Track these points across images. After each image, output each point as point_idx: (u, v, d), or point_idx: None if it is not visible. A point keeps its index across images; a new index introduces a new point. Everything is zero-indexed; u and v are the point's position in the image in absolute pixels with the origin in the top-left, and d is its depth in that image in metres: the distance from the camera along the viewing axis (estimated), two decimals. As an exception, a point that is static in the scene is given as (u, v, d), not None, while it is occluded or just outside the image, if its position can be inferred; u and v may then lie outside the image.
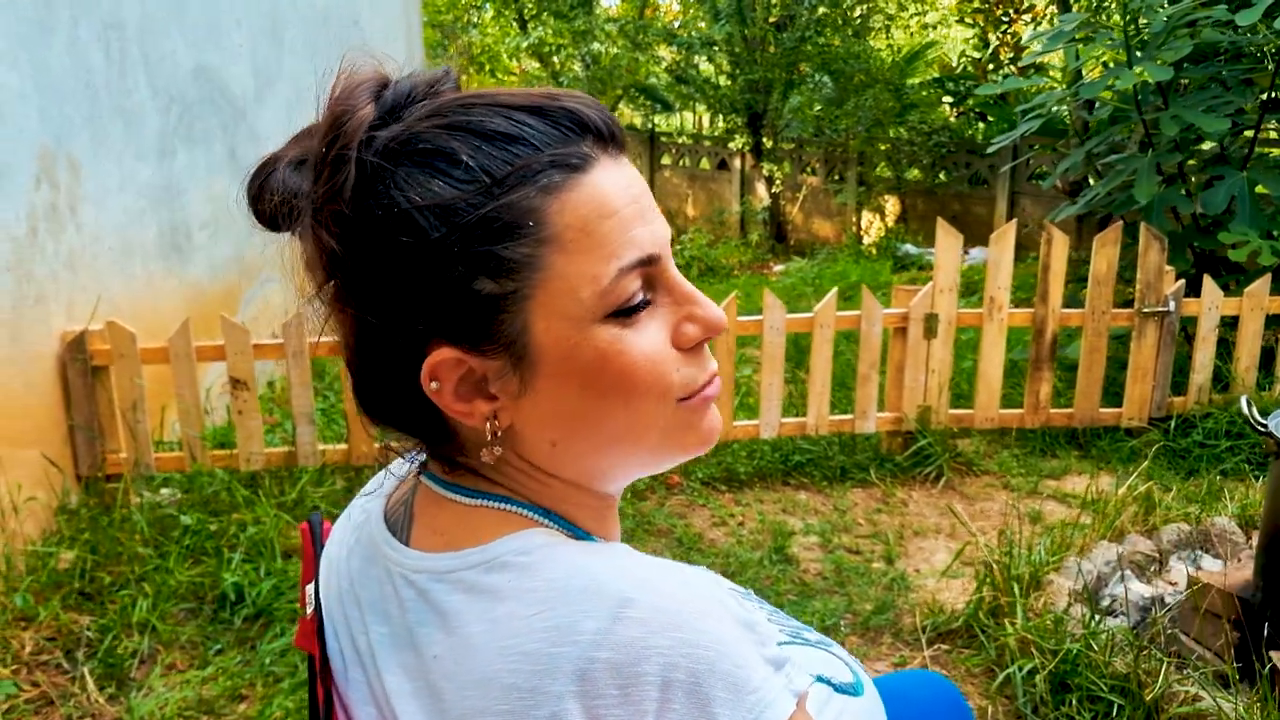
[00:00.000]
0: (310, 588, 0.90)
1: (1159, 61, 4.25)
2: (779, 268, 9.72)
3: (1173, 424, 4.15)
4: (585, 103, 0.74)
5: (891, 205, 10.36)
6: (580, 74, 10.98)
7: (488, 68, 11.66)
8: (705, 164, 11.73)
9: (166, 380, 3.63)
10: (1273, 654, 2.45)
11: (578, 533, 0.80)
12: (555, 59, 11.40)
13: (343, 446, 3.73)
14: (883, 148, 10.21)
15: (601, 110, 0.74)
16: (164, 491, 3.56)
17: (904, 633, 2.87)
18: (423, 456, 0.88)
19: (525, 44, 10.82)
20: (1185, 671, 2.44)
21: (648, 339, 0.74)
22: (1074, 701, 2.38)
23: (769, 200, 10.84)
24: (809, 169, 10.85)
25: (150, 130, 4.15)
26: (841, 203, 10.42)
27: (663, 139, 12.39)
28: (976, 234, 9.63)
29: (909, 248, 9.51)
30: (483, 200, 0.70)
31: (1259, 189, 4.42)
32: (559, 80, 11.17)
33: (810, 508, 3.74)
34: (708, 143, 12.03)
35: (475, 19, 12.05)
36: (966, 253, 9.28)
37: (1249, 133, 4.73)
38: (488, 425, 0.75)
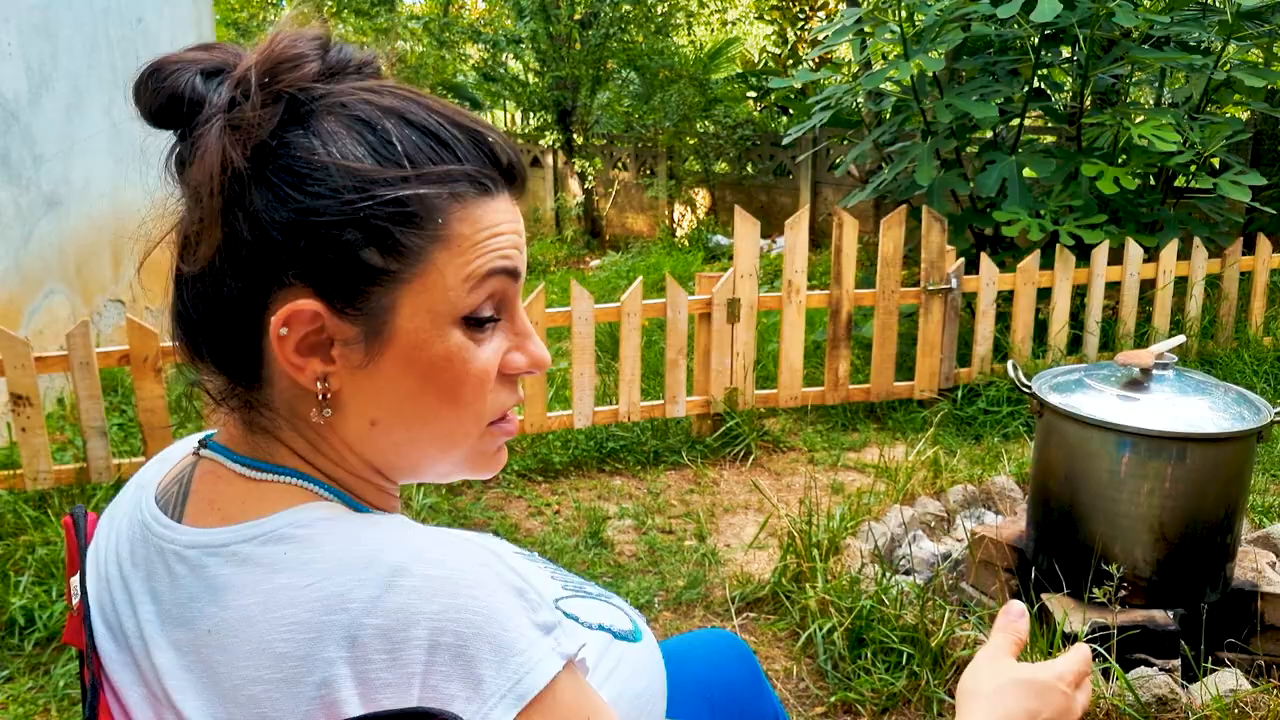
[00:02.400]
0: (75, 580, 0.89)
1: (932, 54, 4.53)
2: (595, 263, 9.81)
3: (959, 393, 4.43)
4: (510, 145, 0.80)
5: (702, 197, 10.60)
6: (386, 72, 10.77)
7: (288, 66, 11.30)
8: (518, 161, 11.72)
9: (-62, 399, 3.40)
10: (1043, 596, 2.67)
11: (358, 507, 0.81)
12: (360, 57, 11.19)
13: (139, 460, 3.57)
14: (691, 142, 10.44)
15: (519, 157, 0.80)
16: (-60, 518, 3.33)
17: (715, 604, 2.97)
18: (203, 435, 0.88)
19: (326, 42, 10.55)
20: (965, 617, 2.63)
21: (485, 356, 0.80)
22: (869, 654, 2.53)
23: (582, 196, 10.92)
24: (620, 164, 10.98)
25: (-92, 133, 3.87)
26: (653, 197, 10.59)
27: (474, 137, 12.29)
28: (782, 223, 9.98)
29: (719, 238, 9.75)
30: (400, 183, 0.74)
31: (1028, 171, 4.76)
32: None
33: (625, 492, 3.82)
34: (520, 140, 12.00)
35: (273, 16, 11.66)
36: (774, 240, 9.60)
37: (1017, 120, 5.08)
38: (319, 387, 0.76)
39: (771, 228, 9.95)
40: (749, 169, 10.33)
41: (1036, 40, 4.75)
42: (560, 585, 1.00)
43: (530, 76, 11.36)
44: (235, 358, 0.78)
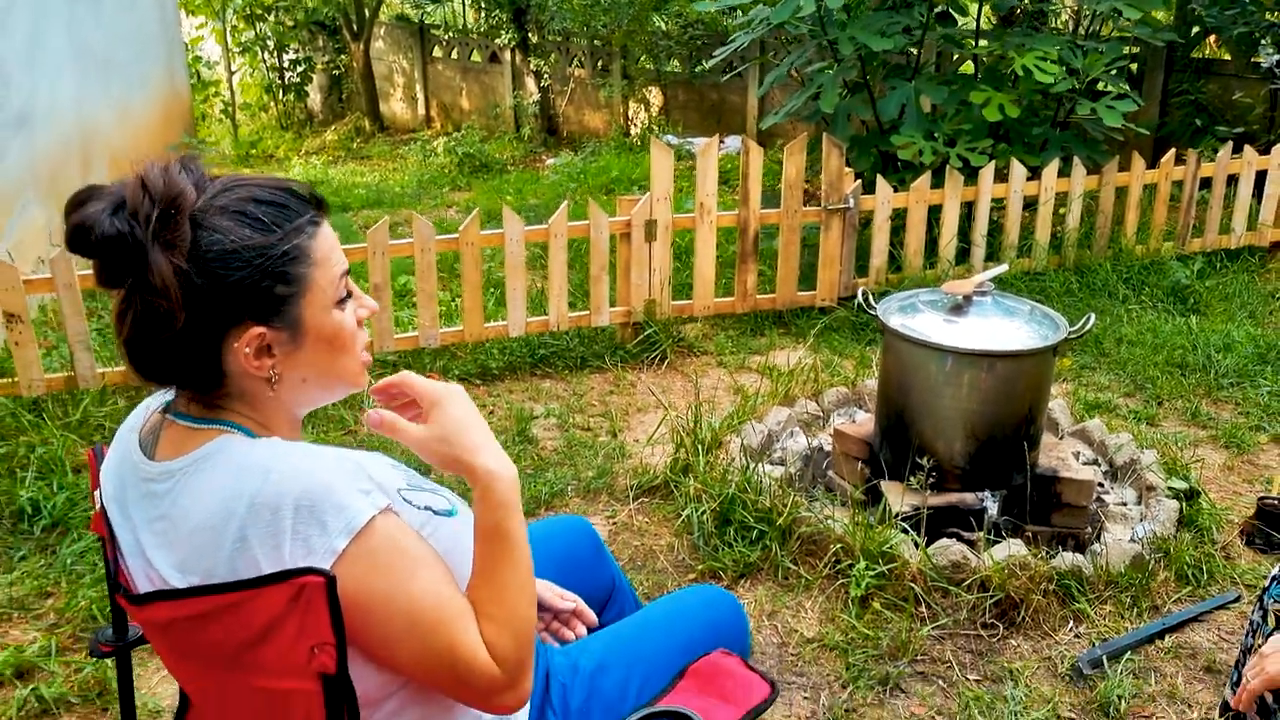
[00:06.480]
0: (98, 493, 1.41)
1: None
2: (551, 161, 10.13)
3: (856, 302, 4.93)
4: (304, 184, 1.30)
5: (655, 96, 10.88)
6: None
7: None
8: (477, 57, 11.88)
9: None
10: (881, 483, 3.23)
11: (253, 435, 1.30)
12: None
13: (122, 368, 4.05)
14: (644, 38, 10.63)
15: (311, 187, 1.30)
16: (-51, 422, 3.81)
17: (617, 492, 3.53)
18: (168, 399, 1.37)
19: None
20: (814, 501, 3.20)
21: (350, 318, 1.33)
22: (732, 531, 3.10)
23: (539, 95, 11.18)
24: (577, 62, 11.20)
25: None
26: (608, 95, 10.86)
27: (433, 30, 12.41)
28: (732, 123, 10.31)
29: (670, 138, 10.08)
30: (279, 243, 1.24)
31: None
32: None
33: (553, 394, 4.35)
34: (478, 35, 12.14)
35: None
36: (723, 142, 9.95)
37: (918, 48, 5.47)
38: (271, 372, 1.27)
39: (721, 127, 10.29)
40: (705, 66, 10.58)
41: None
42: (404, 480, 1.50)
43: (485, -27, 11.47)
44: (203, 378, 1.27)
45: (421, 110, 12.33)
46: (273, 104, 12.79)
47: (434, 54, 12.22)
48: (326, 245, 1.29)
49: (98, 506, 1.40)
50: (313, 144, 11.57)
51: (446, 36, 12.33)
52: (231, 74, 12.45)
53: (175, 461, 1.27)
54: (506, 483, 1.32)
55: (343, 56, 12.51)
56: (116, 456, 1.38)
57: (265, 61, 12.63)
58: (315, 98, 13.12)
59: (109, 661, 2.65)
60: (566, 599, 1.77)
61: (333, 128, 12.20)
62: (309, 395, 1.35)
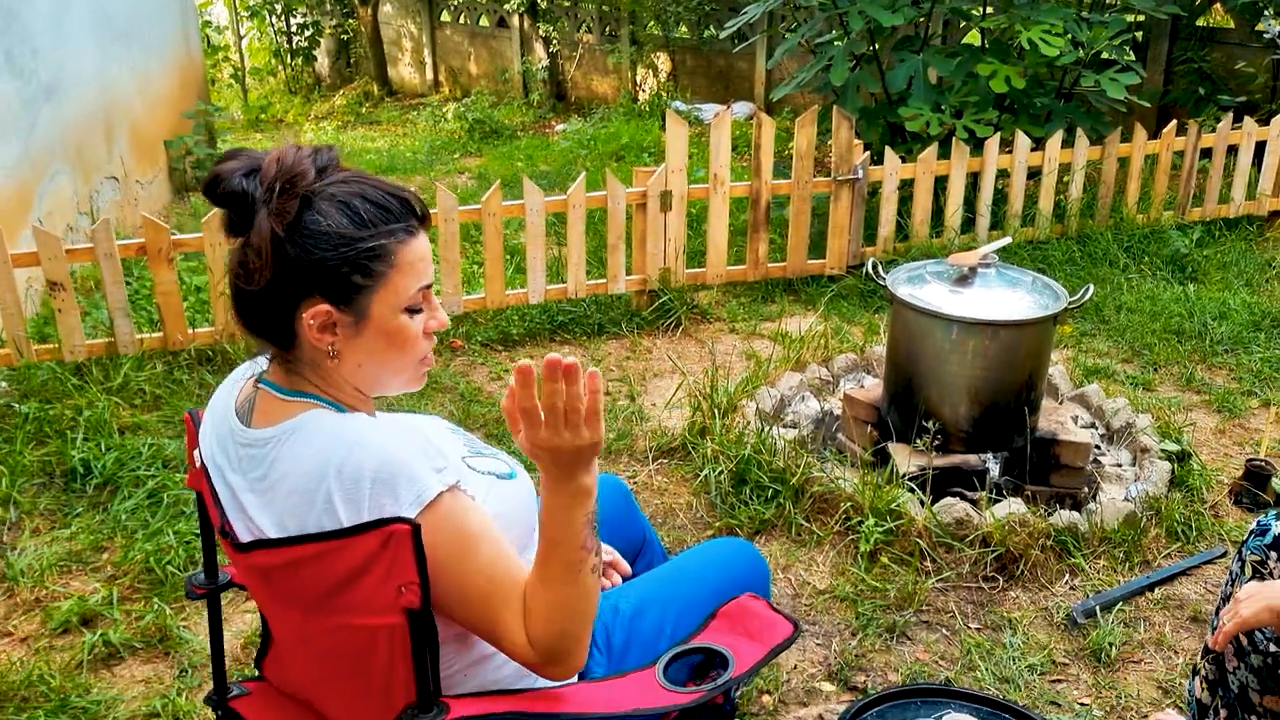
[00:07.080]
0: (196, 451, 1.58)
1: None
2: (560, 127, 10.24)
3: (864, 270, 5.08)
4: (417, 197, 1.44)
5: (663, 62, 10.95)
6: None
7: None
8: (485, 21, 11.92)
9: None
10: (888, 445, 3.41)
11: (341, 409, 1.47)
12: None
13: (159, 334, 4.22)
14: (651, 4, 10.69)
15: (423, 203, 1.45)
16: (-2, 385, 3.99)
17: (637, 453, 3.70)
18: (261, 369, 1.54)
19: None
20: (825, 462, 3.37)
21: (417, 325, 1.45)
22: (748, 491, 3.28)
23: (548, 60, 11.25)
24: (585, 26, 11.26)
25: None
26: (616, 61, 10.93)
27: (442, -6, 12.45)
28: (740, 89, 10.40)
29: (678, 104, 10.17)
30: (369, 238, 1.38)
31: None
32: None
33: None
34: (486, 0, 12.18)
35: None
36: (729, 107, 10.05)
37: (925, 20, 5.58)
38: (330, 348, 1.42)
39: (729, 93, 10.39)
40: (714, 31, 10.62)
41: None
42: (465, 448, 1.67)
43: (494, -62, 11.49)
44: (279, 335, 1.44)
45: (430, 75, 12.40)
46: (281, 68, 12.86)
47: (442, 18, 12.27)
48: (414, 255, 1.41)
49: (197, 465, 1.58)
50: (321, 109, 11.66)
51: (455, 1, 12.37)
52: (240, 38, 12.52)
53: (270, 430, 1.44)
54: (592, 507, 1.41)
55: (350, 20, 12.57)
56: (213, 422, 1.55)
57: (273, 25, 12.70)
58: (323, 62, 13.18)
59: (168, 609, 2.84)
60: (604, 552, 1.94)
61: (341, 92, 12.28)
62: (366, 379, 1.48)
